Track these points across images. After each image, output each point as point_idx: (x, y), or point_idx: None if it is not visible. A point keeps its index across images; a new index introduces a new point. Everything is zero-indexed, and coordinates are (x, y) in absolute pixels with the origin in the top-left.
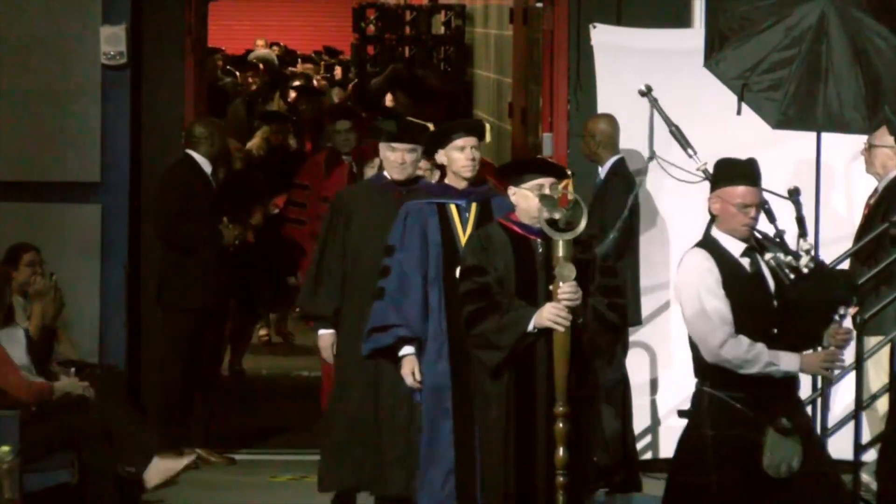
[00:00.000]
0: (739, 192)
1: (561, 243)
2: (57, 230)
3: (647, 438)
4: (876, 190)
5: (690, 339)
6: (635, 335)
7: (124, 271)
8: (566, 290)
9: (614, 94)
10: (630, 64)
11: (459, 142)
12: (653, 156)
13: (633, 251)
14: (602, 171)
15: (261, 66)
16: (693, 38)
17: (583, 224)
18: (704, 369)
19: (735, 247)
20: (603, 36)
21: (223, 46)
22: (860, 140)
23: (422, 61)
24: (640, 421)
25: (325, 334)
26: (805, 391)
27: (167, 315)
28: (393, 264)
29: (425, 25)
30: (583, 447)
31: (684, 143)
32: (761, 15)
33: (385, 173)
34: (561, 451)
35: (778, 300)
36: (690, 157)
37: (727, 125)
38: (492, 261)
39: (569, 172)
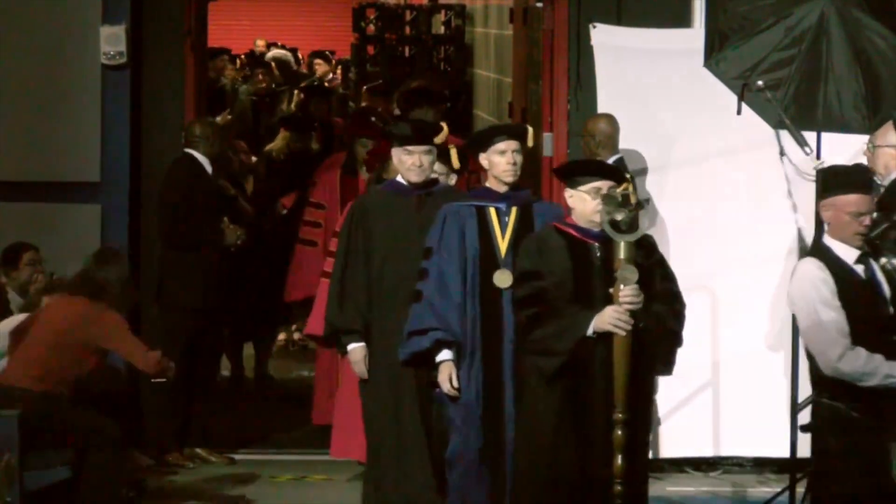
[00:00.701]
0: (853, 200)
1: (622, 245)
2: (57, 230)
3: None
4: (879, 190)
5: (807, 350)
6: None
7: None
8: (628, 293)
9: (614, 94)
10: (630, 64)
11: (501, 145)
12: (783, 152)
13: None
14: None
15: (272, 65)
16: (693, 38)
17: (645, 226)
18: (821, 380)
19: (847, 253)
20: (603, 36)
21: (223, 46)
22: (860, 140)
23: (421, 63)
24: None
25: (357, 347)
26: (804, 391)
27: (166, 314)
28: (431, 267)
29: (425, 25)
30: (640, 454)
31: (801, 141)
32: (761, 15)
33: (399, 178)
34: (619, 458)
35: (895, 306)
36: (807, 154)
37: (727, 125)
38: (548, 265)
39: (627, 176)
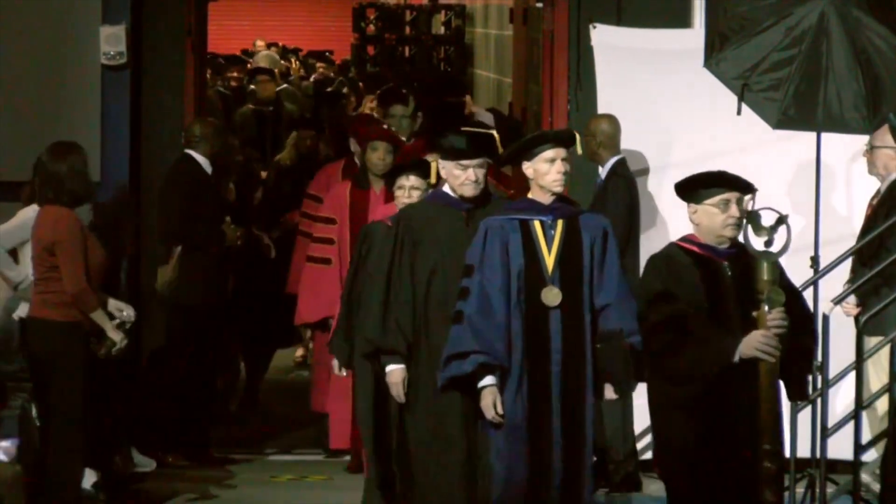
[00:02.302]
0: None
1: (767, 265)
2: None
3: (647, 438)
4: (878, 191)
5: None
6: None
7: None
8: (777, 316)
9: (614, 94)
10: (630, 64)
11: (549, 153)
12: None
13: (633, 251)
14: (602, 172)
15: (276, 70)
16: (693, 38)
17: (789, 243)
18: None
19: None
20: (603, 36)
21: (222, 46)
22: (860, 140)
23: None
24: (640, 421)
25: (397, 369)
26: None
27: (168, 313)
28: (472, 285)
29: (425, 25)
30: (780, 487)
31: None
32: (761, 15)
33: (447, 189)
34: (768, 493)
35: None
36: None
37: (727, 125)
38: (679, 285)
39: (755, 187)
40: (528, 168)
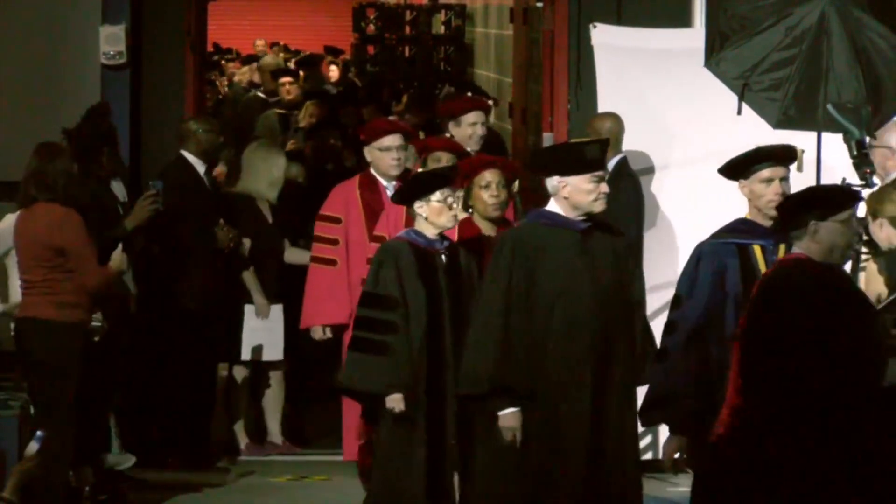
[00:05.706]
0: None
1: None
2: None
3: (648, 438)
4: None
5: None
6: None
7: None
8: None
9: (614, 93)
10: (630, 64)
11: (766, 172)
12: None
13: (639, 252)
14: None
15: (301, 73)
16: (693, 38)
17: None
18: None
19: None
20: (603, 36)
21: (223, 46)
22: None
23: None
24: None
25: (513, 412)
26: None
27: (162, 316)
28: (679, 319)
29: (425, 25)
30: None
31: None
32: (761, 15)
33: (556, 208)
34: None
35: None
36: None
37: (727, 125)
38: None
39: None
40: (743, 187)
